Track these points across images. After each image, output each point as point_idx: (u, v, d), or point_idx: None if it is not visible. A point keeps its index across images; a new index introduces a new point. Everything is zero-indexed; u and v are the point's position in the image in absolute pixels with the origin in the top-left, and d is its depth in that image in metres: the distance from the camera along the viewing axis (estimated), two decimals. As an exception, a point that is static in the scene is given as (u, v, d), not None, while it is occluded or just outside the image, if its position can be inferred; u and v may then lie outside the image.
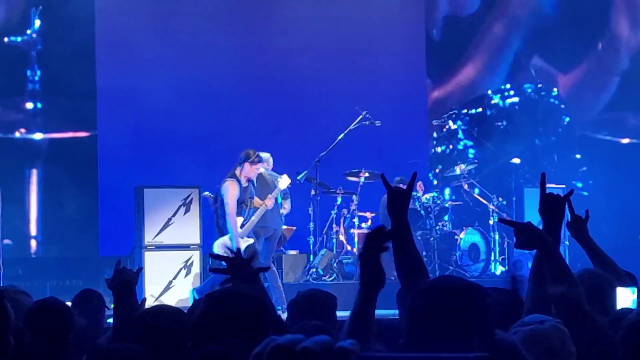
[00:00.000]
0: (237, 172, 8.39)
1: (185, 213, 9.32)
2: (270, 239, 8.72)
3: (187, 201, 9.30)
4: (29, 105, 11.18)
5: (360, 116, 9.94)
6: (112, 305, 3.71)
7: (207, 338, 2.56)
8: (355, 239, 9.84)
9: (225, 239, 8.36)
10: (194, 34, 11.34)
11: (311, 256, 9.73)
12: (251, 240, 8.53)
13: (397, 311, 3.13)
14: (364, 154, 10.92)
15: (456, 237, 10.18)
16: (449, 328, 2.01)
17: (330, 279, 9.54)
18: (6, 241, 9.80)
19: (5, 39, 10.99)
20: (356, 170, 10.00)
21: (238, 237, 8.32)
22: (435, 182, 11.77)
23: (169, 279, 9.22)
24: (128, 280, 3.67)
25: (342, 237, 9.88)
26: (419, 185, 10.26)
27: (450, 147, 12.60)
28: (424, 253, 9.91)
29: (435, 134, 12.56)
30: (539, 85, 12.84)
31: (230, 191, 8.30)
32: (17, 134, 11.14)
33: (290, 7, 11.65)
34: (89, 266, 10.48)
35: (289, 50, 11.62)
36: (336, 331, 3.54)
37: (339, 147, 9.83)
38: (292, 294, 4.42)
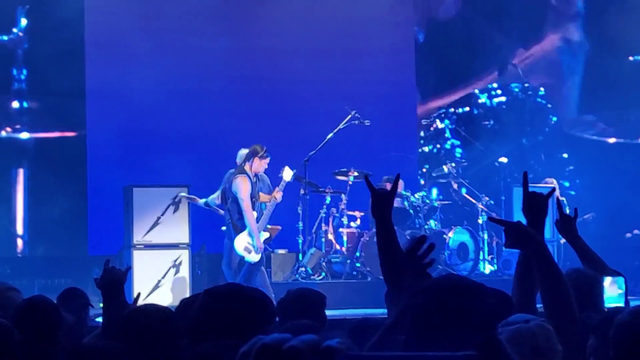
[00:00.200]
0: (247, 167, 8.43)
1: (174, 212, 9.32)
2: None
3: (176, 200, 9.30)
4: (15, 105, 11.14)
5: (350, 115, 9.95)
6: (101, 305, 3.71)
7: (204, 335, 2.54)
8: (344, 238, 9.86)
9: (245, 236, 8.37)
10: (184, 34, 11.33)
11: (300, 255, 9.74)
12: (267, 234, 8.59)
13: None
14: (353, 154, 10.93)
15: (445, 236, 10.20)
16: (449, 326, 2.02)
17: (319, 278, 9.56)
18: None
19: (-8, 38, 10.97)
20: (345, 170, 10.01)
21: (257, 232, 8.35)
22: (422, 182, 11.79)
23: (158, 278, 9.22)
24: (117, 280, 3.67)
25: (331, 237, 9.89)
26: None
27: (438, 146, 12.62)
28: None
29: (422, 133, 12.58)
30: (526, 85, 12.88)
31: (244, 187, 8.34)
32: (3, 133, 11.10)
33: (279, 7, 11.65)
34: (78, 265, 10.47)
35: (278, 50, 11.62)
36: (325, 330, 3.55)
37: (328, 146, 9.84)
38: (281, 293, 4.44)
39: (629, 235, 12.00)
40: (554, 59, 13.06)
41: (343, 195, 9.91)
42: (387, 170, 10.32)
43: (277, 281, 9.39)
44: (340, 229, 9.93)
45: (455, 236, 10.24)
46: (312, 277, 9.55)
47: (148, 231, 9.25)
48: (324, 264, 9.72)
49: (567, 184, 12.42)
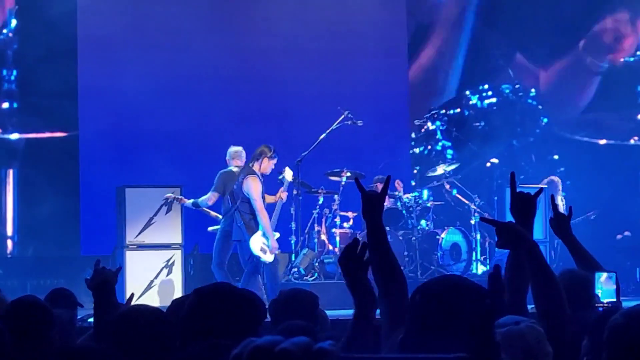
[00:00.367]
0: (256, 167, 8.43)
1: (166, 212, 9.32)
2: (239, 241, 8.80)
3: (168, 201, 9.29)
4: (5, 105, 11.11)
5: (342, 116, 9.95)
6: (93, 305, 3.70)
7: (194, 335, 2.53)
8: (337, 239, 9.87)
9: (260, 236, 8.37)
10: (177, 34, 11.31)
11: (293, 256, 9.74)
12: (278, 234, 8.61)
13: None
14: (345, 154, 10.94)
15: (438, 236, 10.22)
16: (447, 326, 2.02)
17: (312, 278, 9.56)
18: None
19: (-20, 39, 10.94)
20: (338, 170, 10.02)
21: (272, 232, 8.36)
22: (413, 183, 11.80)
23: (151, 278, 9.21)
24: (107, 280, 3.66)
25: (323, 237, 9.90)
26: (398, 183, 10.27)
27: (429, 147, 12.63)
28: (406, 253, 9.95)
29: (413, 135, 12.60)
30: (517, 86, 12.90)
31: (256, 187, 8.35)
32: (-6, 134, 11.08)
33: (271, 7, 11.65)
34: (70, 266, 10.44)
35: (270, 50, 11.62)
36: (320, 330, 3.55)
37: (321, 146, 9.84)
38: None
39: (619, 236, 12.03)
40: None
41: (336, 196, 9.91)
42: (379, 171, 10.34)
43: (270, 282, 9.39)
44: (333, 230, 9.94)
45: (447, 237, 10.26)
46: (305, 277, 9.56)
47: (141, 231, 9.24)
48: (316, 264, 9.73)
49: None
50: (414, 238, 10.12)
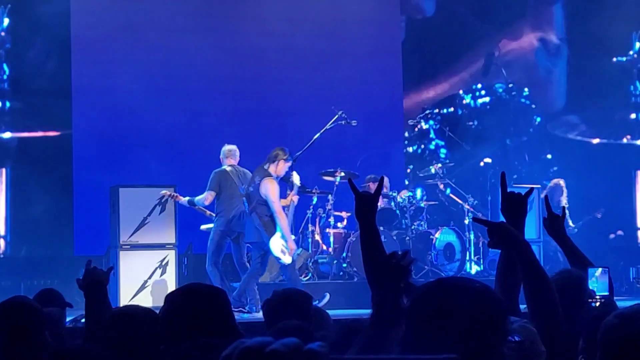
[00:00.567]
0: (272, 169, 8.42)
1: (160, 212, 9.30)
2: (235, 240, 8.77)
3: (162, 200, 9.27)
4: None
5: (336, 116, 9.95)
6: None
7: (172, 337, 2.56)
8: (331, 239, 9.86)
9: (278, 238, 8.38)
10: (170, 34, 11.30)
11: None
12: (293, 236, 8.64)
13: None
14: (339, 154, 10.94)
15: (431, 236, 10.23)
16: (446, 326, 2.01)
17: (306, 278, 9.56)
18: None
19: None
20: (332, 170, 10.02)
21: (290, 234, 8.39)
22: (407, 182, 11.81)
23: (144, 278, 9.19)
24: (99, 280, 3.65)
25: (317, 237, 9.90)
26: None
27: (422, 147, 12.64)
28: (399, 253, 9.93)
29: (406, 134, 12.60)
30: (510, 85, 12.91)
31: (273, 190, 8.36)
32: (-14, 134, 11.06)
33: (265, 6, 11.64)
34: (64, 266, 10.43)
35: (264, 50, 11.61)
36: (316, 329, 3.55)
37: (315, 146, 9.84)
38: (267, 293, 4.43)
39: (612, 236, 12.06)
40: (532, 59, 13.11)
41: (330, 196, 9.91)
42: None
43: (264, 282, 9.38)
44: (327, 230, 9.94)
45: (441, 237, 10.26)
46: (299, 277, 9.55)
47: (134, 231, 9.23)
48: (310, 264, 9.73)
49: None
50: (407, 238, 10.12)
